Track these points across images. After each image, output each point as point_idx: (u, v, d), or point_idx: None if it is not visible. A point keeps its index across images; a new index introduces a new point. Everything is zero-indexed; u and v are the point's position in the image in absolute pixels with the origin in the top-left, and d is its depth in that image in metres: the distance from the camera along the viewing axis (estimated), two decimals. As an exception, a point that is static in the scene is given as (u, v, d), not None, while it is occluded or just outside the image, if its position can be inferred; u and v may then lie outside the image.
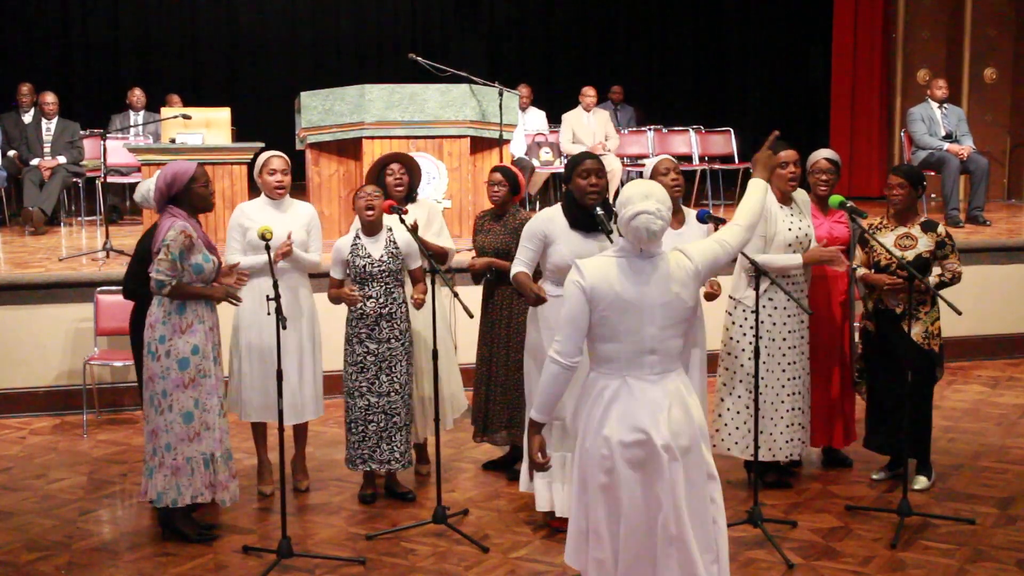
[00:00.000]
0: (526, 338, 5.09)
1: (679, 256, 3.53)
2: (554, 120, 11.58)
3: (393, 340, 5.37)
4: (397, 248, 5.39)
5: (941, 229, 5.53)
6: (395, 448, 5.39)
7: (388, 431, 5.37)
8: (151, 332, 4.89)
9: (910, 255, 5.43)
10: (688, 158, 11.50)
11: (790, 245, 5.42)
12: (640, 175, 11.76)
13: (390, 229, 5.41)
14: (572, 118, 10.81)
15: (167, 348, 4.84)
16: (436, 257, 5.54)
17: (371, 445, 5.36)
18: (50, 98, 10.42)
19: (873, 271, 5.57)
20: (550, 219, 4.88)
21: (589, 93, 10.90)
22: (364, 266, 5.31)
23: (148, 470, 4.95)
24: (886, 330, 5.54)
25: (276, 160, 5.57)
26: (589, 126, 10.73)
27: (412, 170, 5.78)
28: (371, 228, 5.37)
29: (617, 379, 3.49)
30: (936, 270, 5.54)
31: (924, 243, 5.48)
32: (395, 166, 5.71)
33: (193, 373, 4.87)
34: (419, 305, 5.23)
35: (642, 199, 3.43)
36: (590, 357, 3.58)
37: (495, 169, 5.82)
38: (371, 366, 5.35)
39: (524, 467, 5.08)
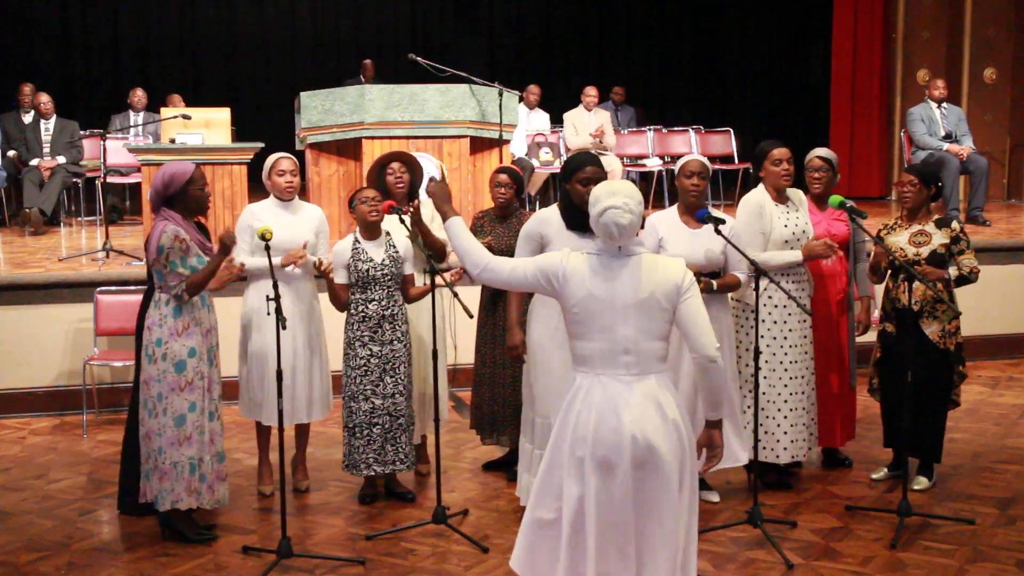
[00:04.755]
0: (527, 337, 5.08)
1: (675, 265, 3.51)
2: (555, 120, 11.58)
3: (396, 342, 5.37)
4: (397, 252, 5.39)
5: (956, 224, 5.51)
6: (400, 449, 5.38)
7: (393, 433, 5.36)
8: (148, 335, 4.88)
9: (925, 251, 5.42)
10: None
11: (787, 242, 5.42)
12: (640, 175, 11.78)
13: (388, 233, 5.41)
14: (574, 116, 10.87)
15: (163, 351, 4.83)
16: (435, 251, 5.53)
17: (376, 448, 5.35)
18: (44, 98, 10.40)
19: (879, 267, 5.57)
20: (545, 220, 4.88)
21: (591, 92, 10.96)
22: (368, 270, 5.30)
23: (145, 472, 4.94)
24: (902, 329, 5.45)
25: (285, 161, 5.56)
26: (590, 124, 10.76)
27: (413, 168, 5.76)
28: (372, 232, 5.37)
29: (591, 378, 3.50)
30: (952, 270, 5.54)
31: (939, 239, 5.45)
32: (395, 165, 5.70)
33: (190, 376, 4.86)
34: (417, 296, 5.43)
35: (608, 196, 3.46)
36: (572, 357, 3.60)
37: (500, 170, 5.76)
38: (375, 369, 5.34)
39: (523, 478, 5.08)
